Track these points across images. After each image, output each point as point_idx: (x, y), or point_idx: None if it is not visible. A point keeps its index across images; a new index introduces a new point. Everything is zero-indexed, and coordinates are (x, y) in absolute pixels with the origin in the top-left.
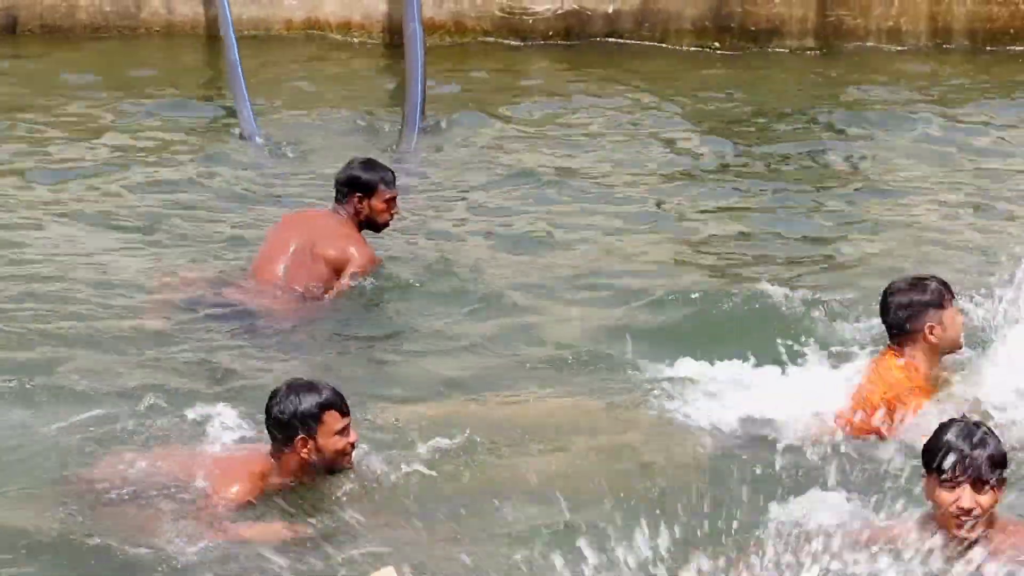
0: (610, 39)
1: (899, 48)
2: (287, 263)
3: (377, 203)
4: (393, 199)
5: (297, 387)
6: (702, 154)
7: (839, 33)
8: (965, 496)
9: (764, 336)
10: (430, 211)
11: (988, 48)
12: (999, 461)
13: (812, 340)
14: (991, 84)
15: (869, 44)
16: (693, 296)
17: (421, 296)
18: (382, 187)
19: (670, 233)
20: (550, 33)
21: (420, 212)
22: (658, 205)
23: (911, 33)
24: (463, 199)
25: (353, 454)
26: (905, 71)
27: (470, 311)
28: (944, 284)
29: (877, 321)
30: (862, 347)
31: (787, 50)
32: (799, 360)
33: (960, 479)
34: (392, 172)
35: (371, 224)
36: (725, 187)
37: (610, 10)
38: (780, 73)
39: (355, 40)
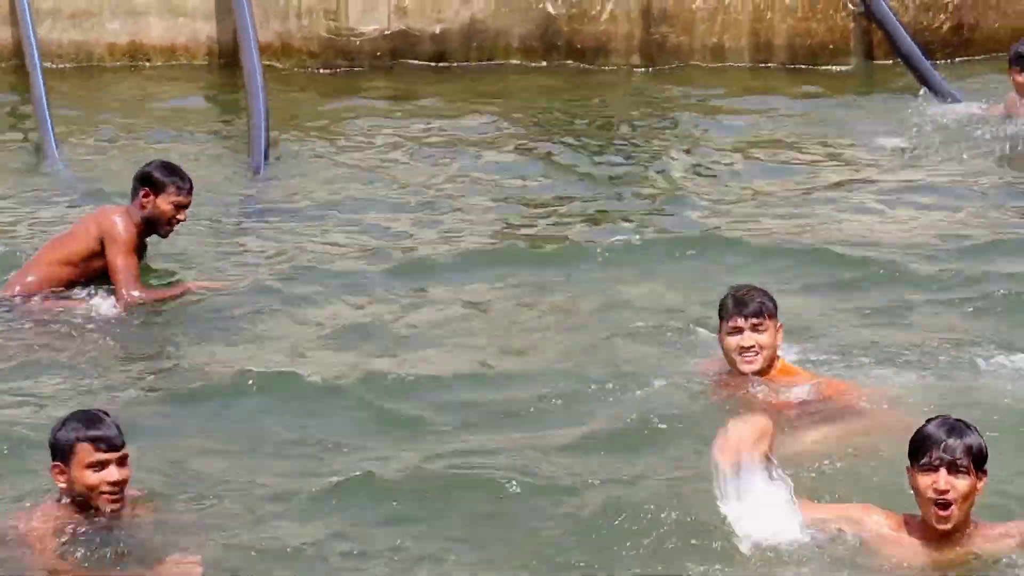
0: (439, 59)
1: (722, 64)
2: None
3: (163, 203)
4: (182, 206)
5: (69, 416)
6: (532, 167)
7: (664, 50)
8: (941, 478)
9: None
10: (278, 231)
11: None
12: (977, 451)
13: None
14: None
15: (694, 61)
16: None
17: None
18: (172, 188)
19: (510, 239)
20: (378, 54)
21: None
22: (505, 224)
23: (734, 50)
24: (309, 219)
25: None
26: (726, 86)
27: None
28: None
29: None
30: None
31: (614, 67)
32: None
33: (936, 463)
34: (191, 182)
35: (153, 225)
36: (553, 194)
37: (437, 30)
38: (607, 89)
39: (182, 63)
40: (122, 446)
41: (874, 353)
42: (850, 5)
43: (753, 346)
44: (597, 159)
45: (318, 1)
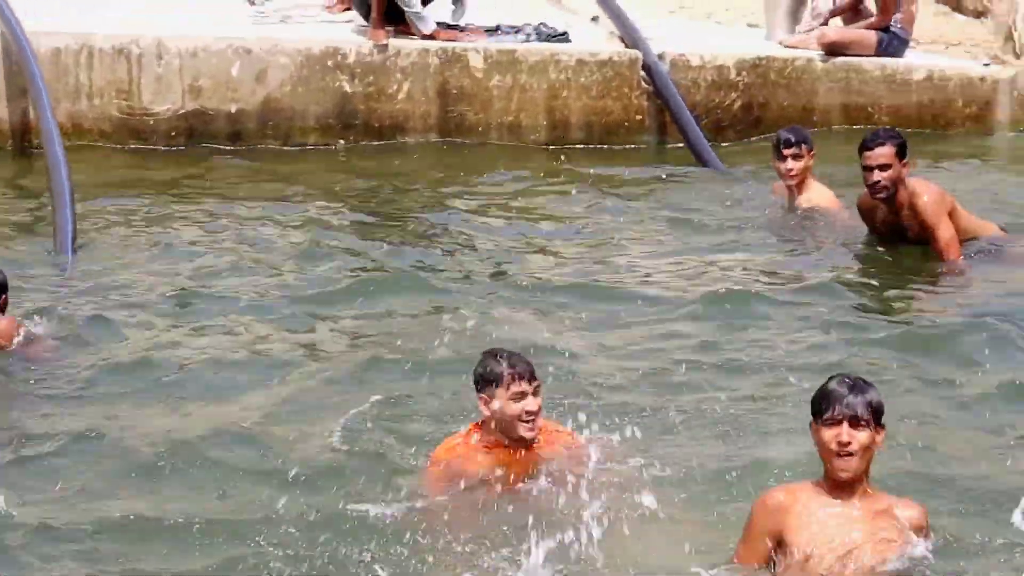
0: (234, 139)
1: (519, 143)
2: None
3: None
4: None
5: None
6: (330, 241)
7: (461, 128)
8: (843, 430)
9: None
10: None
11: (602, 145)
12: (876, 406)
13: None
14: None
15: (491, 138)
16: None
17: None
18: None
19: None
20: (172, 134)
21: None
22: (313, 313)
23: (530, 127)
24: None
25: None
26: (520, 164)
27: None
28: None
29: None
30: None
31: (412, 144)
32: None
33: (838, 417)
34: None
35: None
36: (347, 270)
37: (232, 110)
38: (405, 166)
39: None
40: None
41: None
42: (643, 84)
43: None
44: (396, 232)
45: (109, 81)
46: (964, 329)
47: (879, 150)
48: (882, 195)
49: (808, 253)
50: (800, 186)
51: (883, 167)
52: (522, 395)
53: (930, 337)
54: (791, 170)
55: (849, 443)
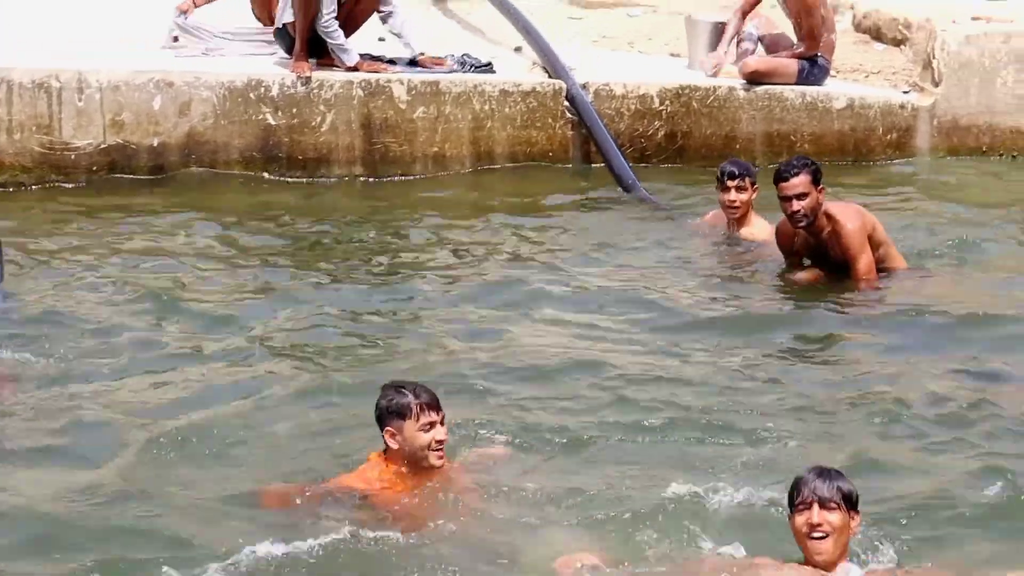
0: (157, 172)
1: (444, 173)
2: None
3: None
4: None
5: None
6: (257, 274)
7: (386, 160)
8: (814, 512)
9: None
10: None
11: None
12: (846, 492)
13: None
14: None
15: (416, 169)
16: None
17: None
18: None
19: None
20: (94, 168)
21: None
22: (240, 347)
23: (455, 158)
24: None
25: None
26: (446, 194)
27: None
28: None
29: None
30: None
31: (336, 177)
32: None
33: (808, 501)
34: None
35: None
36: (281, 302)
37: (155, 143)
38: (330, 198)
39: None
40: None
41: None
42: (568, 113)
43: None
44: (323, 264)
45: (30, 116)
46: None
47: (795, 179)
48: (802, 224)
49: (743, 283)
50: (741, 219)
51: (800, 196)
52: (431, 425)
53: (851, 373)
54: (734, 202)
55: (820, 524)
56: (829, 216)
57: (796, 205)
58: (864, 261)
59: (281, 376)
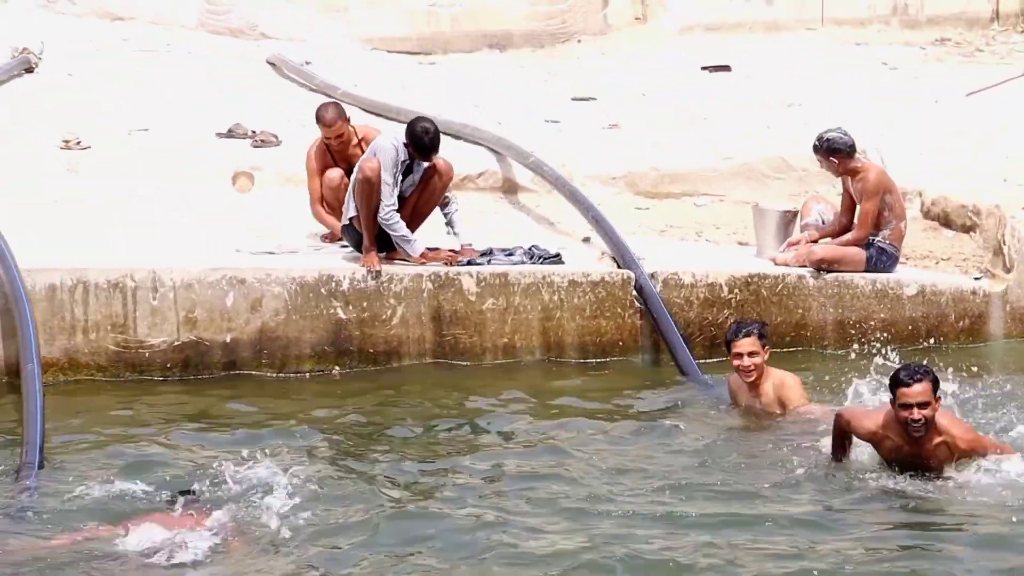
0: (230, 368)
1: (514, 361)
2: None
3: None
4: None
5: None
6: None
7: (456, 351)
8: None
9: None
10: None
11: (597, 360)
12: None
13: None
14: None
15: (486, 360)
16: None
17: None
18: None
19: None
20: (168, 366)
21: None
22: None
23: (525, 348)
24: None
25: None
26: (518, 384)
27: None
28: None
29: None
30: None
31: (407, 368)
32: None
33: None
34: None
35: None
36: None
37: (228, 339)
38: (401, 388)
39: None
40: None
41: None
42: (637, 303)
43: None
44: (401, 454)
45: (105, 316)
46: None
47: (917, 387)
48: (919, 433)
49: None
50: (757, 383)
51: (923, 404)
52: None
53: None
54: (749, 367)
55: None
56: (939, 428)
57: (917, 414)
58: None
59: None
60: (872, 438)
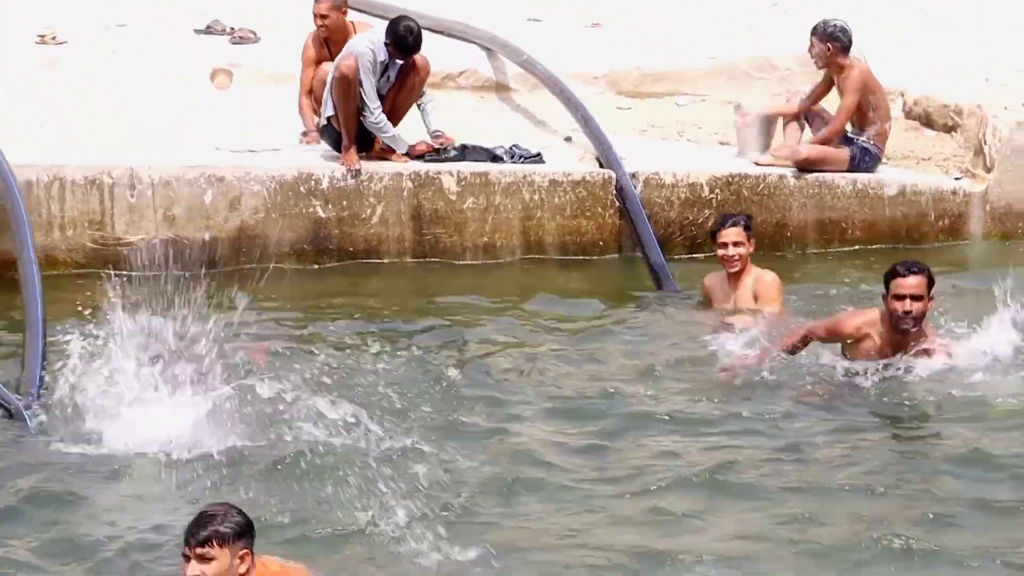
0: (209, 266)
1: (494, 261)
2: None
3: None
4: None
5: None
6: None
7: (436, 250)
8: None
9: None
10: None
11: (578, 257)
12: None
13: None
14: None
15: (466, 259)
16: None
17: None
18: None
19: None
20: (148, 263)
21: None
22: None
23: (505, 248)
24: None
25: None
26: (497, 283)
27: None
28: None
29: None
30: None
31: (387, 266)
32: None
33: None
34: None
35: None
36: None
37: (206, 237)
38: (381, 286)
39: None
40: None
41: None
42: (617, 203)
43: None
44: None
45: (82, 213)
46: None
47: (913, 279)
48: (907, 327)
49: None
50: (740, 274)
51: (916, 297)
52: (187, 558)
53: None
54: (732, 257)
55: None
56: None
57: (910, 305)
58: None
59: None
60: (855, 334)
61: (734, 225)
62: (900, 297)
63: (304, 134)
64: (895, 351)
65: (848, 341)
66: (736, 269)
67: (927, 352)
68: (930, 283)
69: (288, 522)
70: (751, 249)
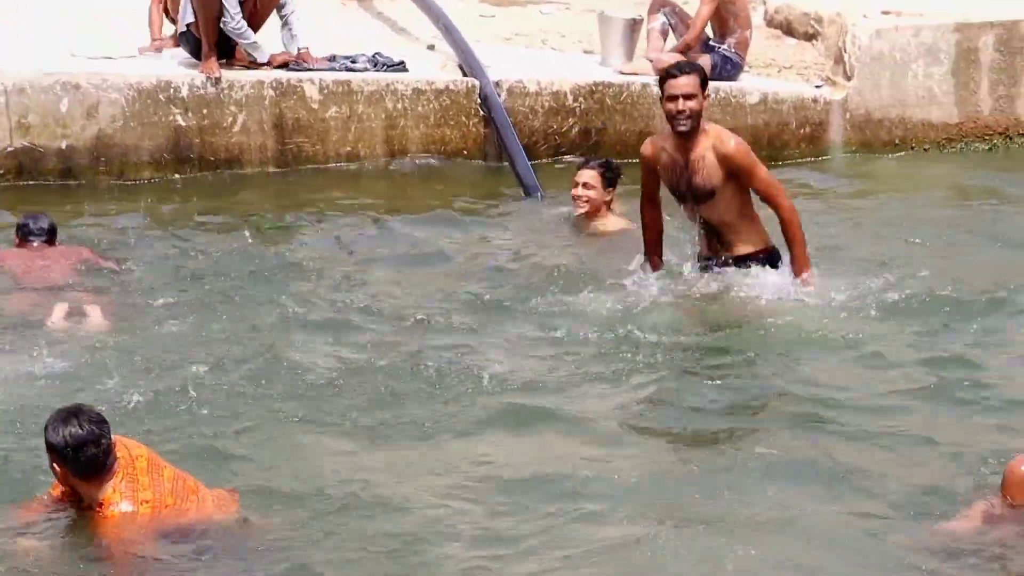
0: (65, 176)
1: (357, 169)
2: None
3: None
4: None
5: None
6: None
7: (299, 159)
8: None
9: None
10: None
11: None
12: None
13: None
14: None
15: (329, 166)
16: None
17: None
18: None
19: None
20: (1, 172)
21: None
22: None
23: (369, 157)
24: None
25: None
26: (359, 191)
27: None
28: None
29: None
30: None
31: (249, 175)
32: None
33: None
34: None
35: None
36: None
37: (63, 146)
38: (244, 194)
39: None
40: None
41: None
42: (482, 111)
43: None
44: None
45: None
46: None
47: (684, 79)
48: (684, 127)
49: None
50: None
51: (688, 96)
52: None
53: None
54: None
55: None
56: (708, 134)
57: (683, 104)
58: (764, 171)
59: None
60: (653, 154)
61: (589, 168)
62: (673, 98)
63: (146, 47)
64: (683, 156)
65: (649, 167)
66: (582, 211)
67: (716, 151)
68: (703, 82)
69: None
70: (606, 198)
